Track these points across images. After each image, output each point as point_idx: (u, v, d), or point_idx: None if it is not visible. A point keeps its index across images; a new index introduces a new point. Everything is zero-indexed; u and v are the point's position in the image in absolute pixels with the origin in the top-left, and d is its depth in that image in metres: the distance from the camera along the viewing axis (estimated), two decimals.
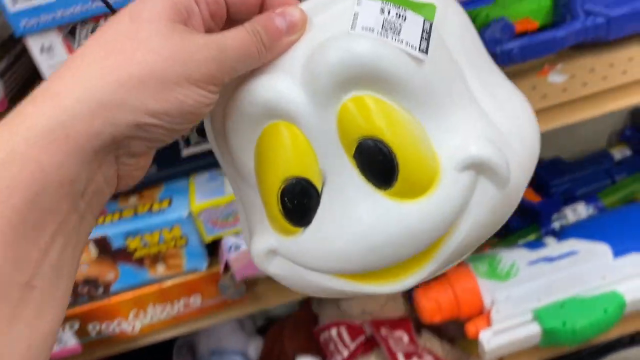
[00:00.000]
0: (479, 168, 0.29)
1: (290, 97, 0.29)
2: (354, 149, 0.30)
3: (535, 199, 0.86)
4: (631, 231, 0.76)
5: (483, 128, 0.30)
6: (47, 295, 0.25)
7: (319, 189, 0.31)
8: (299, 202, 0.31)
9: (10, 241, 0.23)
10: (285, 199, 0.31)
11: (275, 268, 0.34)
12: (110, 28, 0.26)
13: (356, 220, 0.30)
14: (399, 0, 0.30)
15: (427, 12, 0.31)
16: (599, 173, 0.87)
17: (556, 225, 0.83)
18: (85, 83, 0.25)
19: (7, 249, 0.23)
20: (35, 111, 0.25)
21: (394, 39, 0.29)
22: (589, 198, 0.85)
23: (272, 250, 0.33)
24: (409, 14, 0.29)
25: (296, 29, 0.30)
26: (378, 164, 0.29)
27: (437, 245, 0.31)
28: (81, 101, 0.24)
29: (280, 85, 0.30)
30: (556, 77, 0.63)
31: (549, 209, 0.83)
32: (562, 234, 0.79)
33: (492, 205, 0.30)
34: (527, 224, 0.84)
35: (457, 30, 0.33)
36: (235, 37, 0.28)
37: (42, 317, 0.25)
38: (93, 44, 0.26)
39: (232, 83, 0.31)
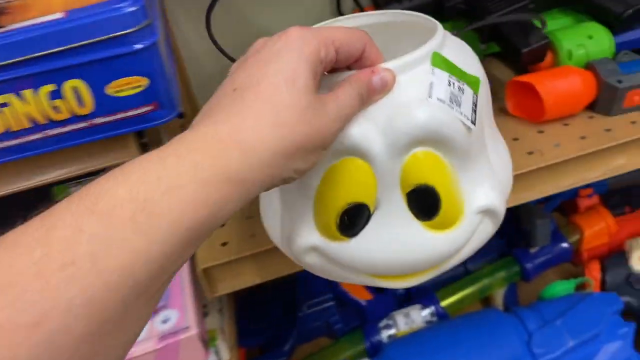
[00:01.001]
0: (488, 213, 0.41)
1: (372, 143, 0.36)
2: (410, 189, 0.38)
3: (365, 296, 0.82)
4: None
5: (493, 181, 0.42)
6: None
7: (372, 212, 0.39)
8: (355, 221, 0.39)
9: (185, 243, 0.27)
10: (346, 217, 0.39)
11: (311, 260, 0.43)
12: (271, 92, 0.30)
13: (396, 240, 0.39)
14: (456, 70, 0.39)
15: (474, 85, 0.40)
16: None
17: (383, 336, 0.80)
18: (263, 144, 0.29)
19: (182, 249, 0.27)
20: (229, 153, 0.28)
21: (457, 111, 0.37)
22: (426, 298, 0.83)
23: (314, 247, 0.41)
24: (465, 88, 0.39)
25: (387, 89, 0.36)
26: (427, 203, 0.39)
27: (444, 262, 0.42)
28: (259, 159, 0.29)
29: (367, 132, 0.36)
30: None
31: (376, 312, 0.80)
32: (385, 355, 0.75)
33: (486, 236, 0.43)
34: (353, 324, 0.82)
35: (484, 96, 0.42)
36: (351, 106, 0.34)
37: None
38: (263, 107, 0.30)
39: None
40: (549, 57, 0.66)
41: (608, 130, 0.63)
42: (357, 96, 0.34)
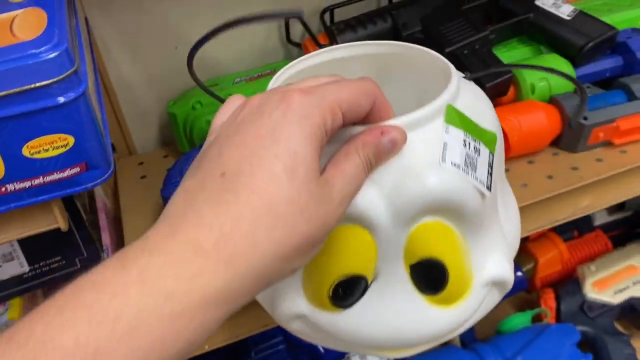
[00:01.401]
0: (497, 284, 0.37)
1: (376, 212, 0.31)
2: (415, 261, 0.34)
3: None
4: None
5: (503, 247, 0.37)
6: None
7: (369, 284, 0.35)
8: (350, 293, 0.35)
9: None
10: (340, 289, 0.35)
11: (298, 327, 0.38)
12: (269, 185, 0.25)
13: (395, 315, 0.35)
14: (472, 127, 0.33)
15: (491, 143, 0.35)
16: None
17: None
18: (256, 251, 0.24)
19: None
20: (213, 270, 0.24)
21: (472, 176, 0.32)
22: None
23: (301, 315, 0.37)
24: (482, 148, 0.34)
25: (397, 150, 0.31)
26: (433, 278, 0.34)
27: (445, 337, 0.37)
28: (251, 270, 0.24)
29: (370, 198, 0.31)
30: None
31: (331, 352, 0.74)
32: None
33: (493, 305, 0.38)
34: None
35: (499, 153, 0.36)
36: (359, 179, 0.29)
37: None
38: (259, 205, 0.25)
39: None
40: (511, 91, 0.63)
41: (575, 168, 0.60)
42: (365, 164, 0.30)
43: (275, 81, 0.38)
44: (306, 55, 0.41)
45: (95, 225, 0.60)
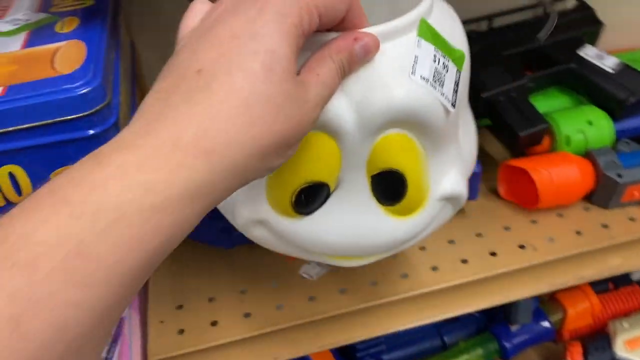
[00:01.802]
0: (451, 199, 0.38)
1: (344, 121, 0.32)
2: (377, 172, 0.35)
3: None
4: None
5: (460, 165, 0.38)
6: None
7: (331, 192, 0.35)
8: (312, 200, 0.35)
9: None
10: (302, 195, 0.35)
11: (258, 233, 0.39)
12: (246, 83, 0.25)
13: (354, 223, 0.36)
14: (443, 43, 0.34)
15: (459, 61, 0.35)
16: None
17: None
18: (235, 148, 0.24)
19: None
20: (193, 164, 0.23)
21: (439, 92, 0.33)
22: None
23: (263, 221, 0.37)
24: (450, 65, 0.34)
25: (370, 56, 0.31)
26: (393, 189, 0.35)
27: (400, 247, 0.39)
28: (230, 166, 0.24)
29: (338, 106, 0.31)
30: None
31: None
32: None
33: (446, 221, 0.41)
34: None
35: (466, 73, 0.37)
36: (333, 83, 0.29)
37: None
38: (236, 103, 0.24)
39: None
40: (545, 140, 0.62)
41: (605, 226, 0.59)
42: (339, 70, 0.30)
43: None
44: None
45: None
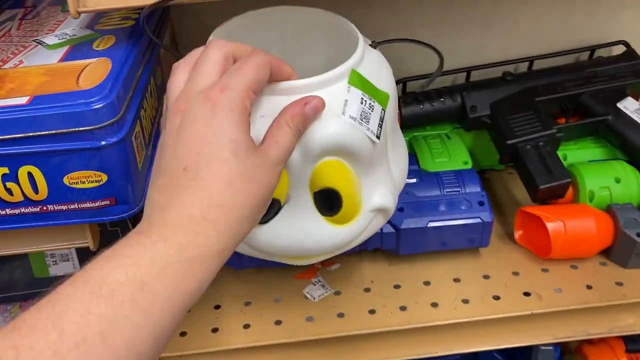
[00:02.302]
0: (381, 210, 0.46)
1: None
2: (317, 189, 0.43)
3: None
4: None
5: (389, 183, 0.46)
6: None
7: (282, 205, 0.43)
8: (267, 212, 0.41)
9: (179, 313, 0.31)
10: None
11: None
12: (223, 169, 0.33)
13: (301, 230, 0.44)
14: (370, 88, 0.42)
15: (384, 101, 0.43)
16: None
17: None
18: (230, 215, 0.33)
19: (177, 318, 0.31)
20: (205, 231, 0.32)
21: (365, 127, 0.41)
22: None
23: None
24: (376, 105, 0.42)
25: (319, 114, 0.39)
26: (331, 203, 0.43)
27: (340, 249, 0.47)
28: (232, 229, 0.33)
29: None
30: None
31: None
32: None
33: (377, 229, 0.49)
34: None
35: (392, 109, 0.45)
36: (291, 144, 0.37)
37: None
38: (221, 184, 0.32)
39: None
40: (569, 190, 0.61)
41: (619, 284, 0.57)
42: (295, 133, 0.37)
43: (216, 33, 0.46)
44: (242, 15, 0.50)
45: None
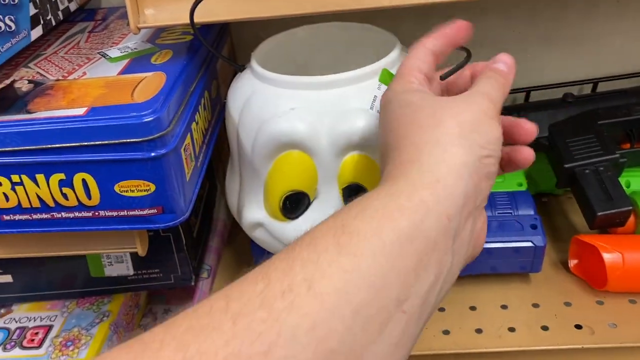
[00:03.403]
0: None
1: (318, 141, 0.43)
2: (345, 185, 0.44)
3: None
4: None
5: None
6: (410, 326, 0.27)
7: (311, 200, 0.45)
8: (296, 206, 0.45)
9: (395, 256, 0.26)
10: (287, 202, 0.46)
11: (258, 235, 0.50)
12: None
13: None
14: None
15: None
16: None
17: None
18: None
19: (394, 262, 0.26)
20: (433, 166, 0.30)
21: None
22: None
23: (260, 223, 0.49)
24: None
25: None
26: None
27: None
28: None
29: (314, 130, 0.43)
30: None
31: None
32: None
33: None
34: None
35: None
36: (503, 96, 0.36)
37: (400, 346, 0.27)
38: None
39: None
40: (630, 220, 0.58)
41: None
42: (503, 87, 0.36)
43: (256, 52, 0.50)
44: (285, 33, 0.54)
45: (205, 243, 0.68)
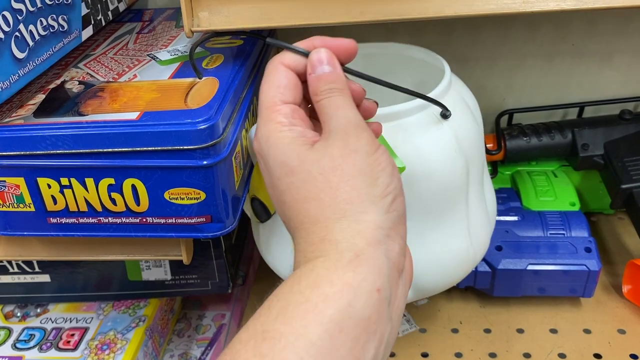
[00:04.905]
0: None
1: None
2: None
3: None
4: None
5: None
6: None
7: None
8: (261, 210, 0.48)
9: (326, 351, 0.25)
10: (253, 205, 0.49)
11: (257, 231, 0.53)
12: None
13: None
14: (390, 151, 0.39)
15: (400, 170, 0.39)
16: None
17: None
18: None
19: (326, 358, 0.25)
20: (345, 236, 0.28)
21: None
22: None
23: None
24: None
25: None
26: None
27: None
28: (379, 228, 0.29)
29: None
30: None
31: None
32: None
33: None
34: None
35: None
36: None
37: None
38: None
39: None
40: None
41: None
42: (346, 97, 0.32)
43: None
44: None
45: (241, 250, 0.67)
